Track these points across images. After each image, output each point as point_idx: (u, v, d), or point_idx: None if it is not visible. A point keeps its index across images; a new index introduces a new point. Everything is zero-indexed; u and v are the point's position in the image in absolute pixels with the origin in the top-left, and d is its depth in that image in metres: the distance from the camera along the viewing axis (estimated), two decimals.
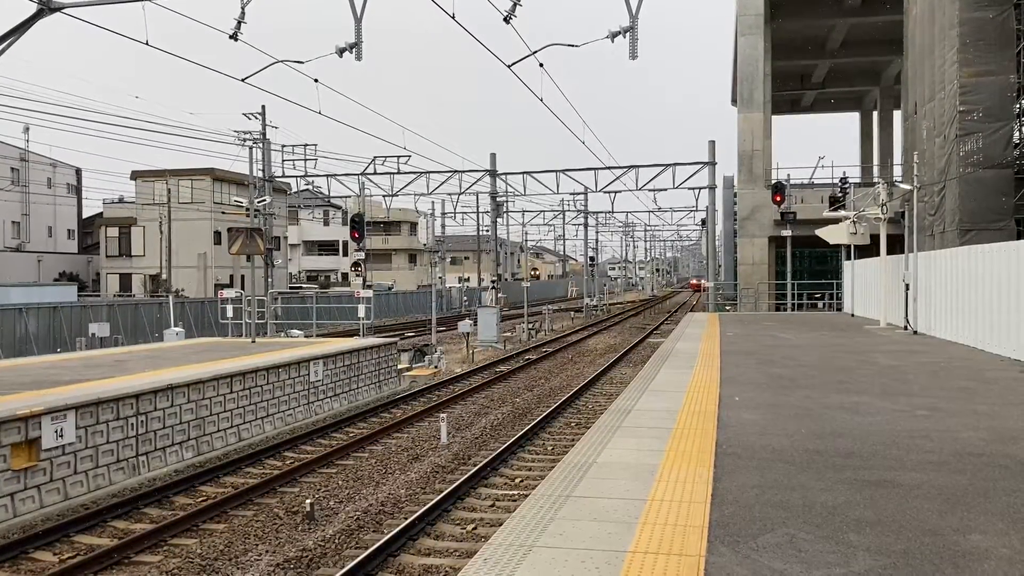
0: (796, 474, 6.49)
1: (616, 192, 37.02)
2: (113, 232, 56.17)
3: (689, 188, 36.51)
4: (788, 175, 36.63)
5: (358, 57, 14.16)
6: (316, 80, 20.94)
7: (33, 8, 12.55)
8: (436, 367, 23.92)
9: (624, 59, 14.32)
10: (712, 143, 32.87)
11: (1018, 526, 5.19)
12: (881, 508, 5.58)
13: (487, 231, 47.38)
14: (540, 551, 4.86)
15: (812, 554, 4.70)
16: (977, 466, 6.72)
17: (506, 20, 13.66)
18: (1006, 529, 5.13)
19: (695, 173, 33.65)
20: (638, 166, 34.19)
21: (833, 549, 4.78)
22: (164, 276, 48.27)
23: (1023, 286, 13.61)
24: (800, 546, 4.84)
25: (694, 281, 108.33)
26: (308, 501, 9.99)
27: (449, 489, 10.55)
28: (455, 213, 56.54)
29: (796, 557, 4.66)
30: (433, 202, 45.76)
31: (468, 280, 70.26)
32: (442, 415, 14.75)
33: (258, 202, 28.63)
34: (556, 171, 35.16)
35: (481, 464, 11.95)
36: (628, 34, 13.97)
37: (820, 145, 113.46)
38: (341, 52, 14.45)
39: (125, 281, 55.38)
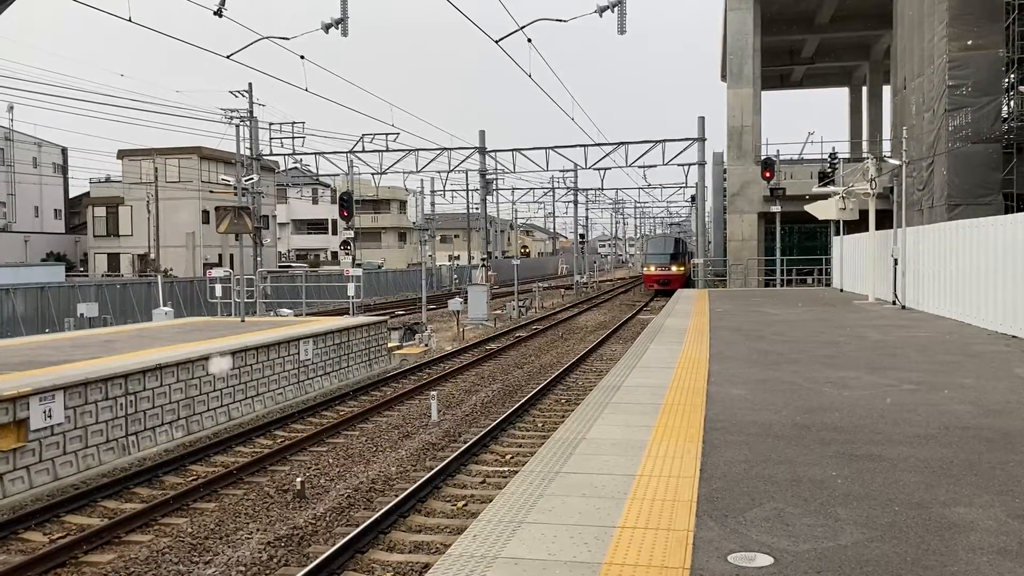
0: (784, 448, 6.52)
1: (606, 169, 37.04)
2: (100, 212, 55.81)
3: (679, 164, 36.38)
4: (777, 151, 36.77)
5: (344, 33, 14.03)
6: (302, 57, 20.76)
7: None
8: (426, 345, 23.93)
9: (613, 34, 14.30)
10: (701, 119, 32.82)
11: (1003, 498, 5.23)
12: (868, 482, 5.61)
13: (477, 209, 47.24)
14: (530, 527, 4.87)
15: (800, 528, 4.73)
16: (963, 439, 6.77)
17: None
18: (991, 501, 5.17)
19: (685, 149, 33.66)
20: (628, 143, 34.14)
21: (821, 523, 4.82)
22: (152, 255, 48.03)
23: (1009, 261, 13.67)
24: (788, 520, 4.87)
25: (653, 268, 47.72)
26: (299, 479, 10.00)
27: (440, 466, 10.57)
28: (444, 191, 56.36)
29: (784, 531, 4.68)
30: (422, 180, 45.75)
31: (458, 258, 70.13)
32: (432, 393, 14.76)
33: (246, 180, 28.46)
34: (546, 148, 35.10)
35: (471, 441, 11.97)
36: (616, 8, 13.89)
37: (809, 120, 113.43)
38: (327, 28, 14.33)
39: (113, 261, 55.10)
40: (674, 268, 46.10)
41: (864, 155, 32.47)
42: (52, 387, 10.30)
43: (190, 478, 10.94)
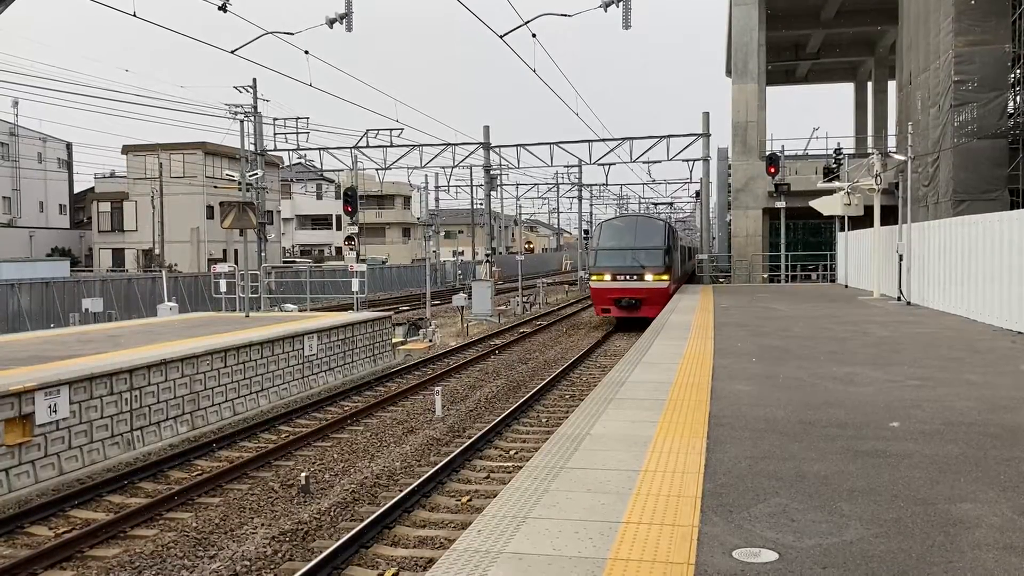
0: (789, 444, 6.52)
1: (610, 164, 36.86)
2: (105, 207, 55.88)
3: (683, 160, 36.16)
4: (782, 146, 36.57)
5: (348, 28, 14.02)
6: (307, 52, 20.73)
7: None
8: (430, 341, 23.93)
9: (618, 29, 14.25)
10: (706, 115, 32.71)
11: (1008, 494, 5.22)
12: (873, 478, 5.60)
13: (481, 204, 47.26)
14: (534, 522, 4.88)
15: (804, 523, 4.73)
16: (968, 435, 6.76)
17: None
18: (996, 498, 5.16)
19: (689, 145, 33.49)
20: (632, 138, 33.99)
21: (825, 518, 4.81)
22: (157, 251, 48.11)
23: (1015, 257, 13.62)
24: (793, 516, 4.86)
25: (608, 277, 25.58)
26: (303, 474, 10.02)
27: (444, 461, 10.57)
28: (449, 186, 56.21)
29: (789, 527, 4.68)
30: (427, 175, 45.63)
31: (462, 254, 70.08)
32: (437, 388, 14.77)
33: (250, 176, 28.45)
34: (550, 143, 34.94)
35: (476, 436, 11.98)
36: (621, 3, 13.85)
37: (814, 116, 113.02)
38: (331, 23, 14.32)
39: (118, 256, 55.18)
40: (649, 277, 25.38)
41: (869, 151, 32.37)
42: (57, 382, 10.33)
43: (195, 473, 10.97)
